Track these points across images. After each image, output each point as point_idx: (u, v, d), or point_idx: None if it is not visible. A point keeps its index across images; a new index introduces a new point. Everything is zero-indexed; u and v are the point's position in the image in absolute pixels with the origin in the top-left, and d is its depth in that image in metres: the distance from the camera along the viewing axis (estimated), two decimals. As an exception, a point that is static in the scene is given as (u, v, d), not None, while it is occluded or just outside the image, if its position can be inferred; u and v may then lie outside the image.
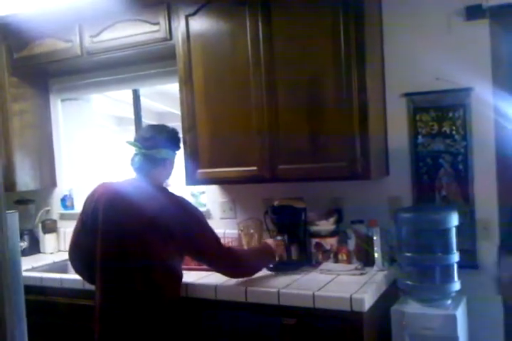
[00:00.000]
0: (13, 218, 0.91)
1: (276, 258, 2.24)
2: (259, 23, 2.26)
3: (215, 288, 2.08)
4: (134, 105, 3.26)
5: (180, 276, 2.04)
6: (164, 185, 2.11)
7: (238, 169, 2.34)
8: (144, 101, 3.30)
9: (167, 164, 2.08)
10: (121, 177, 2.15)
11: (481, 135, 2.23)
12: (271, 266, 2.27)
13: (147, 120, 4.36)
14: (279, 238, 2.30)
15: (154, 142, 2.03)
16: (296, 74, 2.22)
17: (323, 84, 2.18)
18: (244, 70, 2.31)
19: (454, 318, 1.90)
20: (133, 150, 2.05)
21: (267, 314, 1.98)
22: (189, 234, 1.93)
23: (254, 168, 2.31)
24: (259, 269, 2.18)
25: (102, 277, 1.99)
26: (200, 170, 2.43)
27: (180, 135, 2.19)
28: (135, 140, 2.06)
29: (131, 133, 3.82)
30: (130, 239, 1.91)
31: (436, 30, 2.29)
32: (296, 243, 2.33)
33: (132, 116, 3.30)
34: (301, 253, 2.36)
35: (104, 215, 1.97)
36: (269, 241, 2.28)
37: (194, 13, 2.43)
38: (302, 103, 2.22)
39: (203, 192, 2.85)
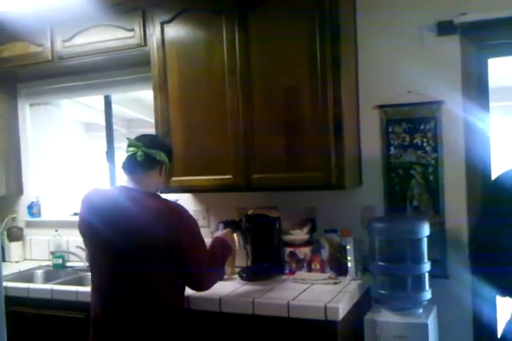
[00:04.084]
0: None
1: (234, 247, 2.16)
2: (236, 33, 2.27)
3: (188, 298, 2.05)
4: (105, 111, 3.20)
5: (178, 287, 1.92)
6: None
7: (213, 177, 2.33)
8: (113, 107, 3.26)
9: (162, 170, 1.96)
10: (92, 183, 2.11)
11: (451, 147, 2.29)
12: (244, 275, 2.26)
13: (117, 126, 4.30)
14: (222, 229, 2.26)
15: (155, 142, 1.95)
16: (273, 84, 2.24)
17: (299, 94, 2.20)
18: (220, 78, 2.31)
19: (425, 327, 1.93)
20: (126, 152, 1.93)
21: (242, 324, 1.97)
22: (181, 247, 1.81)
23: (229, 176, 2.30)
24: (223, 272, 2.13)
25: (98, 287, 1.93)
26: (174, 178, 2.41)
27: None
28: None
29: (99, 140, 3.76)
30: (123, 251, 1.83)
31: (409, 44, 2.35)
32: (238, 231, 2.27)
33: (100, 122, 3.24)
34: (277, 262, 2.35)
35: (97, 226, 1.88)
36: (219, 233, 2.16)
37: (170, 21, 2.42)
38: (278, 112, 2.23)
39: (177, 200, 2.81)
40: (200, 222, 2.64)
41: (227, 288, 2.15)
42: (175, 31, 2.41)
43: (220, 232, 2.19)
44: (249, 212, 2.38)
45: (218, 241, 2.08)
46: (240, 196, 2.52)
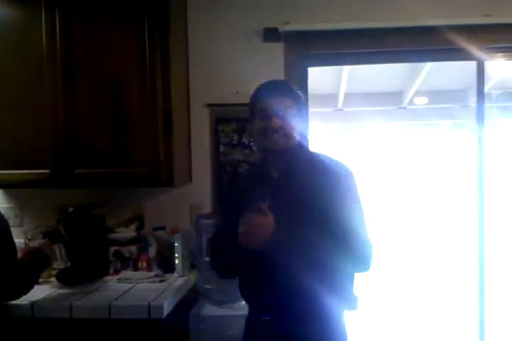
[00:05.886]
0: None
1: (52, 260, 2.01)
2: (57, 15, 2.11)
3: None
4: None
5: None
6: None
7: (28, 172, 2.14)
8: None
9: None
10: None
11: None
12: (62, 277, 2.09)
13: None
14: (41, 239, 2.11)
15: None
16: (99, 74, 2.13)
17: (127, 88, 2.14)
18: (37, 64, 2.13)
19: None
20: None
21: (58, 328, 1.83)
22: None
23: (47, 170, 2.13)
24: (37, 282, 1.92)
25: None
26: (-20, 172, 2.13)
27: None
28: None
29: None
30: None
31: (238, 47, 2.42)
32: (60, 242, 2.12)
33: None
34: (100, 263, 2.22)
35: None
36: (34, 244, 2.04)
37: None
38: (104, 105, 2.14)
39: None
40: (11, 221, 2.36)
41: (42, 292, 1.97)
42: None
43: (38, 243, 2.01)
44: (70, 209, 2.22)
45: (29, 254, 1.88)
46: (61, 192, 2.33)
